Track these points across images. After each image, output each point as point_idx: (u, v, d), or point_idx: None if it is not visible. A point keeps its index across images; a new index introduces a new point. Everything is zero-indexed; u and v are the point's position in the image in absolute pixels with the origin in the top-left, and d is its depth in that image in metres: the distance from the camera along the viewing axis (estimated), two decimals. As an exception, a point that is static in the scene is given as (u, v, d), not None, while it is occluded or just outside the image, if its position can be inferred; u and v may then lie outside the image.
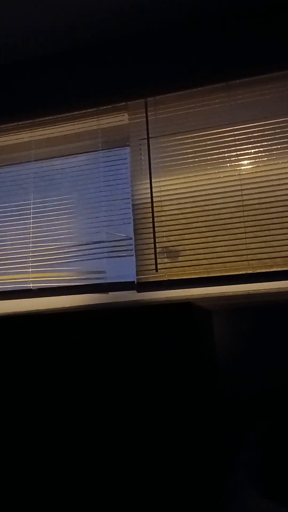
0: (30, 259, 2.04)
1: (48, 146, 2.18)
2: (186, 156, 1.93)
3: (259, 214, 1.78)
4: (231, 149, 1.89)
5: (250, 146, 1.86)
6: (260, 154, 1.84)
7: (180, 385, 1.21)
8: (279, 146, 1.83)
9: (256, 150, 1.85)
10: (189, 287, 1.81)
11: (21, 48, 2.23)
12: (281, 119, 1.85)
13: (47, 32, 2.11)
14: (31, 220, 2.09)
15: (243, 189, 1.82)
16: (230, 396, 1.67)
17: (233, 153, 1.88)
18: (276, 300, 1.71)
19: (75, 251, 1.99)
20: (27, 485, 1.28)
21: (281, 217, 1.76)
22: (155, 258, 1.87)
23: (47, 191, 2.11)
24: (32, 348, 1.37)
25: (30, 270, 2.03)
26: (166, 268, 1.85)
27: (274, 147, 1.83)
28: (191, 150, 1.93)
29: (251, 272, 1.74)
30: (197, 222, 1.85)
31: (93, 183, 2.05)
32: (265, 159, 1.83)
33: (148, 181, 1.96)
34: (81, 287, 1.94)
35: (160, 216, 1.91)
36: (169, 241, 1.87)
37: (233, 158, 1.87)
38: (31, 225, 2.08)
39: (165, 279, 1.84)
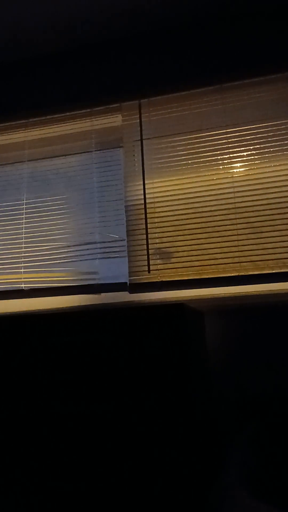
0: (23, 259, 2.03)
1: (42, 146, 2.17)
2: (179, 157, 1.94)
3: (252, 217, 1.80)
4: (224, 151, 1.90)
5: (243, 148, 1.88)
6: (253, 157, 1.86)
7: (172, 386, 1.21)
8: (271, 149, 1.84)
9: (249, 152, 1.87)
10: (181, 288, 1.81)
11: (15, 49, 2.22)
12: (274, 122, 1.86)
13: (41, 32, 2.11)
14: (24, 221, 2.08)
15: (236, 191, 1.83)
16: (221, 397, 1.68)
17: (226, 156, 1.89)
18: (267, 302, 1.72)
19: (67, 251, 1.99)
20: (27, 486, 1.28)
21: (273, 220, 1.77)
22: (148, 260, 1.87)
23: (40, 191, 2.10)
24: (24, 349, 1.36)
25: (22, 270, 2.02)
26: (158, 270, 1.85)
27: (267, 149, 1.85)
28: (184, 152, 1.94)
29: (243, 274, 1.75)
30: (190, 223, 1.86)
31: (86, 184, 2.05)
32: (257, 161, 1.84)
33: (141, 182, 1.96)
34: (74, 288, 1.93)
35: (153, 217, 1.91)
36: (161, 243, 1.88)
37: (226, 161, 1.88)
38: (23, 225, 2.07)
39: (157, 280, 1.84)
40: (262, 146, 1.86)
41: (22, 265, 2.02)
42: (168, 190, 1.92)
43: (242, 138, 1.89)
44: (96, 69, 2.18)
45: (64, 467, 1.25)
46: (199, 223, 1.85)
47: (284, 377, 1.63)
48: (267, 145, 1.85)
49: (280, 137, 1.84)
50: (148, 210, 1.92)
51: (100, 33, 2.15)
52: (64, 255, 1.99)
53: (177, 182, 1.92)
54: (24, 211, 2.09)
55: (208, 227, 1.83)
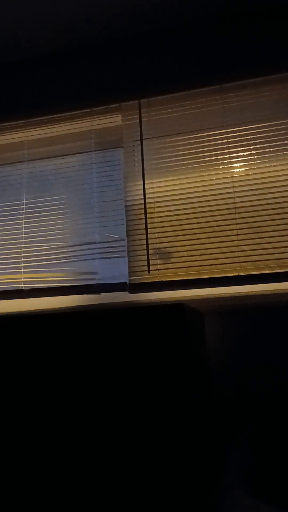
0: (22, 260, 2.03)
1: (41, 147, 2.17)
2: (179, 157, 1.94)
3: (251, 217, 1.79)
4: (224, 151, 1.90)
5: (243, 148, 1.88)
6: (252, 157, 1.86)
7: (171, 386, 1.21)
8: (271, 149, 1.84)
9: (249, 152, 1.87)
10: (181, 288, 1.81)
11: (15, 49, 2.22)
12: (274, 122, 1.86)
13: (41, 32, 2.11)
14: (24, 221, 2.08)
15: (236, 191, 1.83)
16: (221, 397, 1.68)
17: (226, 155, 1.89)
18: (267, 302, 1.72)
19: (67, 251, 1.99)
20: (27, 486, 1.27)
21: (273, 220, 1.77)
22: (148, 260, 1.87)
23: (40, 192, 2.10)
24: (23, 349, 1.36)
25: (22, 270, 2.02)
26: (158, 270, 1.85)
27: (266, 149, 1.85)
28: (184, 152, 1.94)
29: (243, 274, 1.75)
30: (190, 223, 1.86)
31: (86, 184, 2.05)
32: (257, 161, 1.84)
33: (141, 182, 1.96)
34: (73, 288, 1.93)
35: (153, 217, 1.91)
36: (161, 243, 1.88)
37: (226, 161, 1.88)
38: (23, 225, 2.07)
39: (157, 280, 1.84)
40: (262, 146, 1.86)
41: (22, 265, 2.02)
42: (168, 190, 1.92)
43: (242, 138, 1.89)
44: (96, 69, 2.18)
45: (64, 467, 1.25)
46: (199, 223, 1.85)
47: (284, 377, 1.63)
48: (267, 145, 1.85)
49: (280, 137, 1.84)
50: (148, 210, 1.92)
51: (100, 33, 2.15)
52: (64, 255, 1.98)
53: (177, 182, 1.92)
54: (24, 211, 2.09)
55: (208, 227, 1.83)
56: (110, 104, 2.10)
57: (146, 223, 1.91)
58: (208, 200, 1.86)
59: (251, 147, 1.87)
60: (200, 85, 1.99)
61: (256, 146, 1.86)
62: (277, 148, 1.83)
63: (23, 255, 2.03)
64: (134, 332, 1.27)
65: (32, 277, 2.00)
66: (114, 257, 1.93)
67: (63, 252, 1.99)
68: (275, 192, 1.79)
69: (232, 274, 1.76)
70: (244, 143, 1.88)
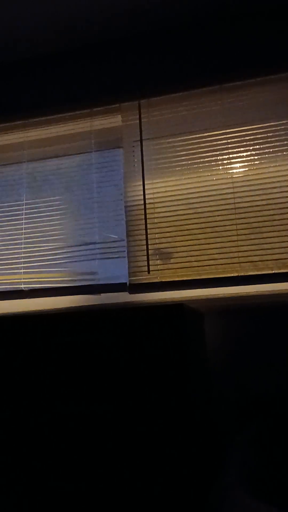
0: (22, 260, 2.03)
1: (41, 147, 2.17)
2: (179, 158, 1.94)
3: (251, 217, 1.80)
4: (223, 152, 1.90)
5: (243, 149, 1.88)
6: (252, 157, 1.86)
7: (171, 387, 1.21)
8: (271, 150, 1.84)
9: (249, 153, 1.87)
10: (181, 289, 1.81)
11: (13, 49, 2.22)
12: (273, 123, 1.86)
13: (40, 33, 2.11)
14: (23, 221, 2.08)
15: (235, 192, 1.84)
16: (221, 397, 1.68)
17: (226, 156, 1.89)
18: (267, 303, 1.72)
19: (67, 252, 1.99)
20: (28, 485, 1.28)
21: (273, 220, 1.77)
22: (147, 260, 1.87)
23: (40, 192, 2.10)
24: (23, 349, 1.36)
25: (22, 271, 2.02)
26: (158, 270, 1.85)
27: (266, 150, 1.85)
28: (184, 153, 1.94)
29: (242, 274, 1.75)
30: (190, 224, 1.86)
31: (86, 184, 2.05)
32: (257, 162, 1.85)
33: (141, 182, 1.96)
34: (73, 288, 1.93)
35: (153, 218, 1.91)
36: (161, 243, 1.88)
37: (225, 161, 1.88)
38: (23, 226, 2.07)
39: (157, 280, 1.84)
40: (261, 146, 1.86)
41: (22, 265, 2.02)
42: (167, 191, 1.92)
43: (242, 138, 1.89)
44: (96, 69, 2.18)
45: (65, 467, 1.25)
46: (198, 223, 1.85)
47: (284, 377, 1.63)
48: (266, 145, 1.85)
49: (280, 138, 1.84)
50: (147, 211, 1.92)
51: (100, 33, 2.14)
52: (63, 256, 1.99)
53: (176, 183, 1.92)
54: (24, 211, 2.09)
55: (208, 227, 1.84)
56: (110, 104, 2.10)
57: (146, 223, 1.91)
58: (208, 201, 1.86)
59: (251, 148, 1.87)
60: (200, 85, 1.99)
61: (256, 147, 1.86)
62: (277, 149, 1.83)
63: (23, 255, 2.03)
64: (134, 332, 1.27)
65: (32, 278, 2.00)
66: (114, 257, 1.93)
67: (63, 252, 1.99)
68: (274, 193, 1.79)
69: (232, 275, 1.76)
70: (244, 143, 1.88)
